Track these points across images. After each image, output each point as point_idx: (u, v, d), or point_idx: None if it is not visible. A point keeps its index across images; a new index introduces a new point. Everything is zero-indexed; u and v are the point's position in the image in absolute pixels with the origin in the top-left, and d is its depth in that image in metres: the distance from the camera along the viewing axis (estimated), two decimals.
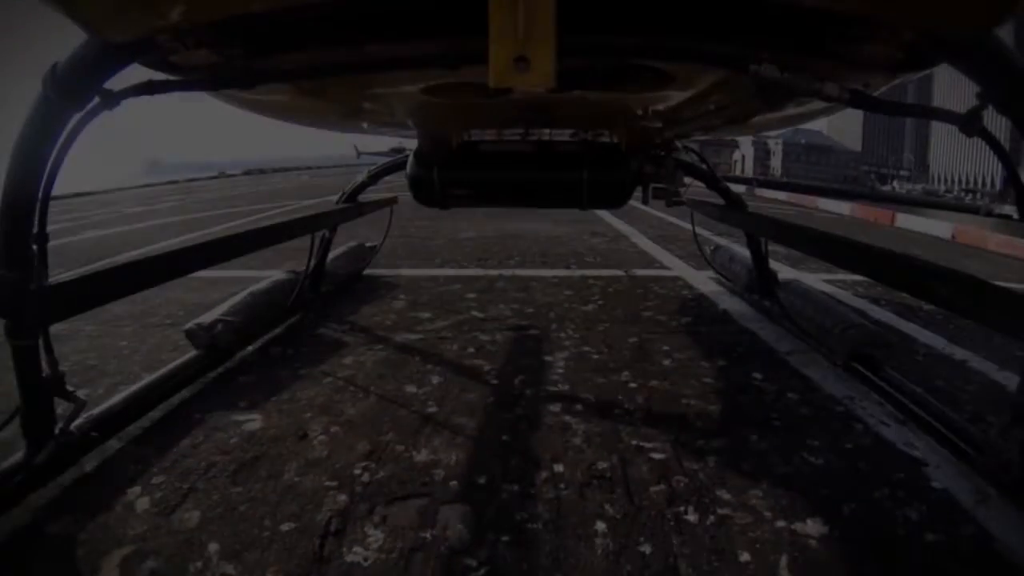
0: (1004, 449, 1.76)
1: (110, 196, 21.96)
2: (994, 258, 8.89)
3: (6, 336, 1.67)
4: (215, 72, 1.62)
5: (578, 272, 5.19)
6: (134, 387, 2.32)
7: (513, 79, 1.29)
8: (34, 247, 1.66)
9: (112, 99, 1.58)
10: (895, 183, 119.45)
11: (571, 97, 2.14)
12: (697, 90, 2.15)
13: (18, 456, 1.76)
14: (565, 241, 6.98)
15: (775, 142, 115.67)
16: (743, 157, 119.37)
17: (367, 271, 4.99)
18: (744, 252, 4.26)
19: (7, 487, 1.69)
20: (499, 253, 6.12)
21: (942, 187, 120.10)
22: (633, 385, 2.71)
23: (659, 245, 6.79)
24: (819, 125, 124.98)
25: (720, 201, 3.93)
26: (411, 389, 2.65)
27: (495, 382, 2.76)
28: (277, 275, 3.66)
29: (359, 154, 4.60)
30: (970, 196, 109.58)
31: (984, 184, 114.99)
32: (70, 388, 1.84)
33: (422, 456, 2.06)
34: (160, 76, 1.66)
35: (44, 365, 1.77)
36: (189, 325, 2.83)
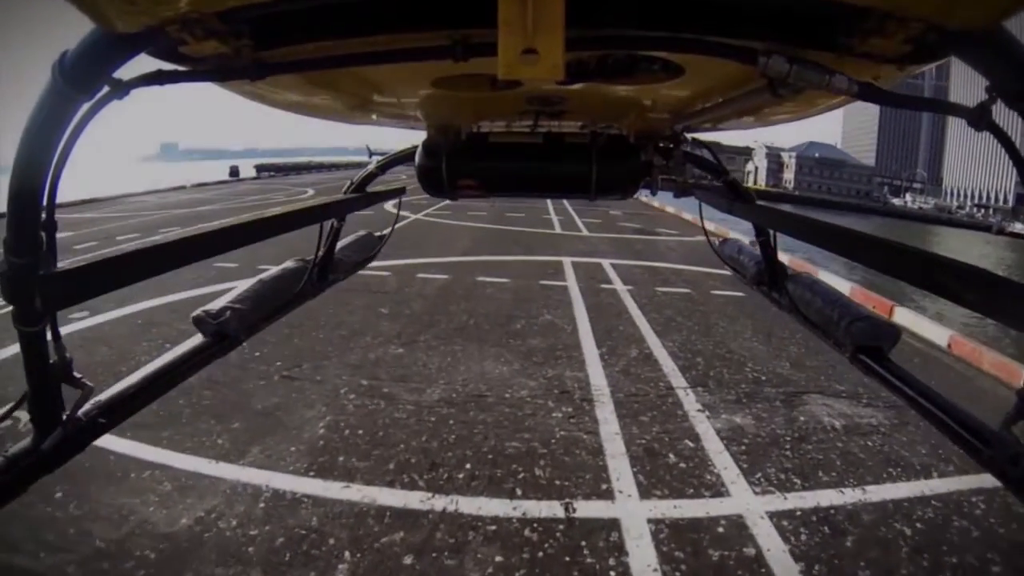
0: (1011, 442, 1.78)
1: (95, 221, 21.78)
2: (983, 383, 8.51)
3: (14, 322, 1.70)
4: (224, 63, 1.65)
5: (516, 512, 5.07)
6: (141, 373, 2.33)
7: (522, 71, 1.34)
8: (42, 234, 1.69)
9: (121, 89, 1.60)
10: (907, 195, 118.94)
11: (579, 89, 2.19)
12: (706, 82, 2.21)
13: (25, 442, 1.81)
14: (522, 418, 6.79)
15: (788, 155, 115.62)
16: (756, 168, 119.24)
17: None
18: (752, 245, 4.28)
19: (14, 473, 1.75)
20: (456, 448, 6.09)
21: (955, 202, 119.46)
22: None
23: (627, 425, 6.63)
24: (832, 139, 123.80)
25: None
26: None
27: None
28: (287, 263, 3.71)
29: (371, 154, 4.61)
30: (982, 212, 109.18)
31: (997, 200, 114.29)
32: (77, 375, 1.87)
33: None
34: (169, 66, 1.68)
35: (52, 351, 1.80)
36: (197, 312, 2.83)
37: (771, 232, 3.82)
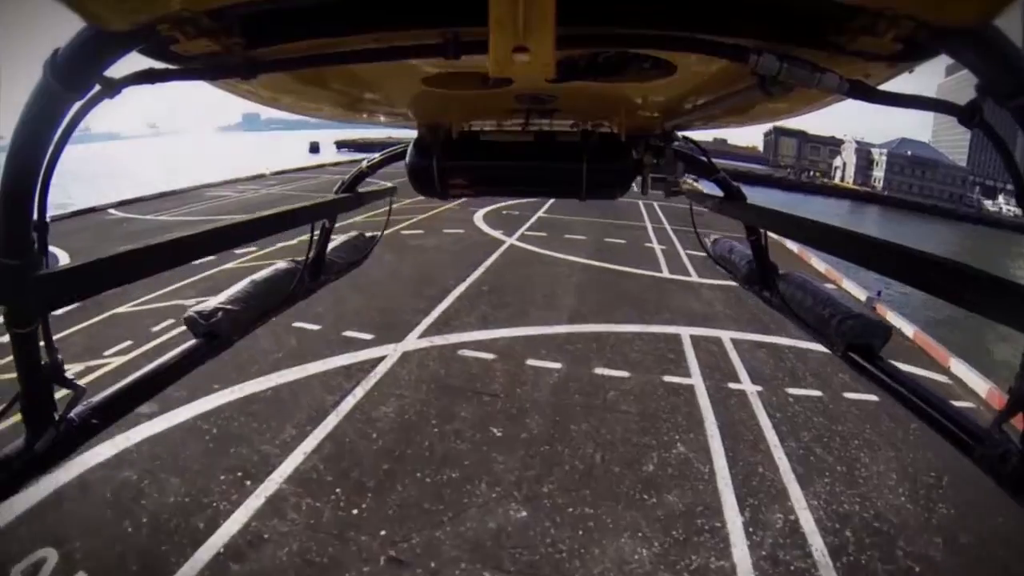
0: (1002, 440, 1.80)
1: (168, 228, 20.59)
2: None
3: (5, 324, 1.72)
4: (215, 61, 1.62)
5: None
6: (135, 375, 2.35)
7: (513, 69, 1.35)
8: (34, 234, 1.70)
9: (113, 87, 1.59)
10: (1001, 197, 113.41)
11: (571, 87, 2.11)
12: (697, 81, 2.18)
13: (18, 443, 1.82)
14: None
15: (879, 152, 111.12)
16: (844, 164, 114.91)
17: None
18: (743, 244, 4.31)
19: (7, 474, 1.77)
20: None
21: None
22: None
23: None
24: (923, 132, 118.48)
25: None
26: None
27: None
28: (278, 264, 3.67)
29: None
30: None
31: None
32: (69, 376, 1.91)
33: None
34: (160, 65, 1.63)
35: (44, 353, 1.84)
36: (188, 313, 2.86)
37: (762, 231, 3.82)
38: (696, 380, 11.03)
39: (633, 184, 3.72)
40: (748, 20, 1.47)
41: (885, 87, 1.74)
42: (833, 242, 2.40)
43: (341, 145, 73.38)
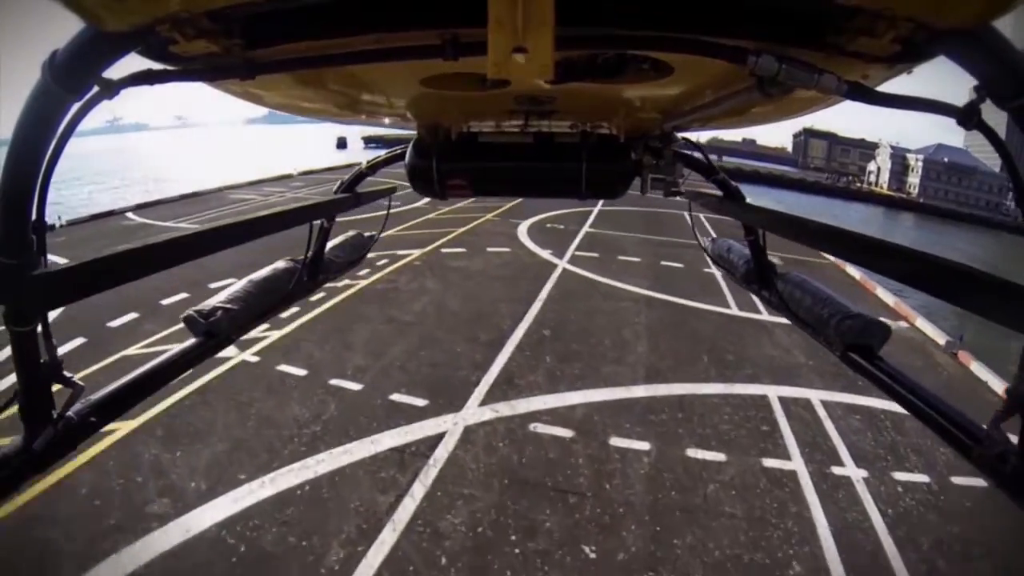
0: (1000, 440, 1.76)
1: None
2: None
3: (5, 322, 1.72)
4: (214, 62, 1.61)
5: None
6: (133, 373, 2.32)
7: (511, 70, 1.34)
8: (33, 234, 1.69)
9: (111, 88, 1.57)
10: None
11: (569, 88, 2.06)
12: (695, 82, 2.15)
13: (17, 442, 1.81)
14: None
15: (915, 158, 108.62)
16: (878, 169, 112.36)
17: None
18: (741, 243, 4.25)
19: (5, 473, 1.76)
20: None
21: None
22: None
23: None
24: (957, 142, 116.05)
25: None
26: None
27: None
28: (277, 263, 3.62)
29: None
30: None
31: None
32: (68, 374, 1.90)
33: None
34: (159, 66, 1.62)
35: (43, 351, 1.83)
36: (187, 312, 2.82)
37: (760, 231, 3.80)
38: (798, 464, 9.51)
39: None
40: (746, 21, 1.45)
41: (886, 88, 1.69)
42: (832, 242, 2.39)
43: (369, 141, 71.70)
